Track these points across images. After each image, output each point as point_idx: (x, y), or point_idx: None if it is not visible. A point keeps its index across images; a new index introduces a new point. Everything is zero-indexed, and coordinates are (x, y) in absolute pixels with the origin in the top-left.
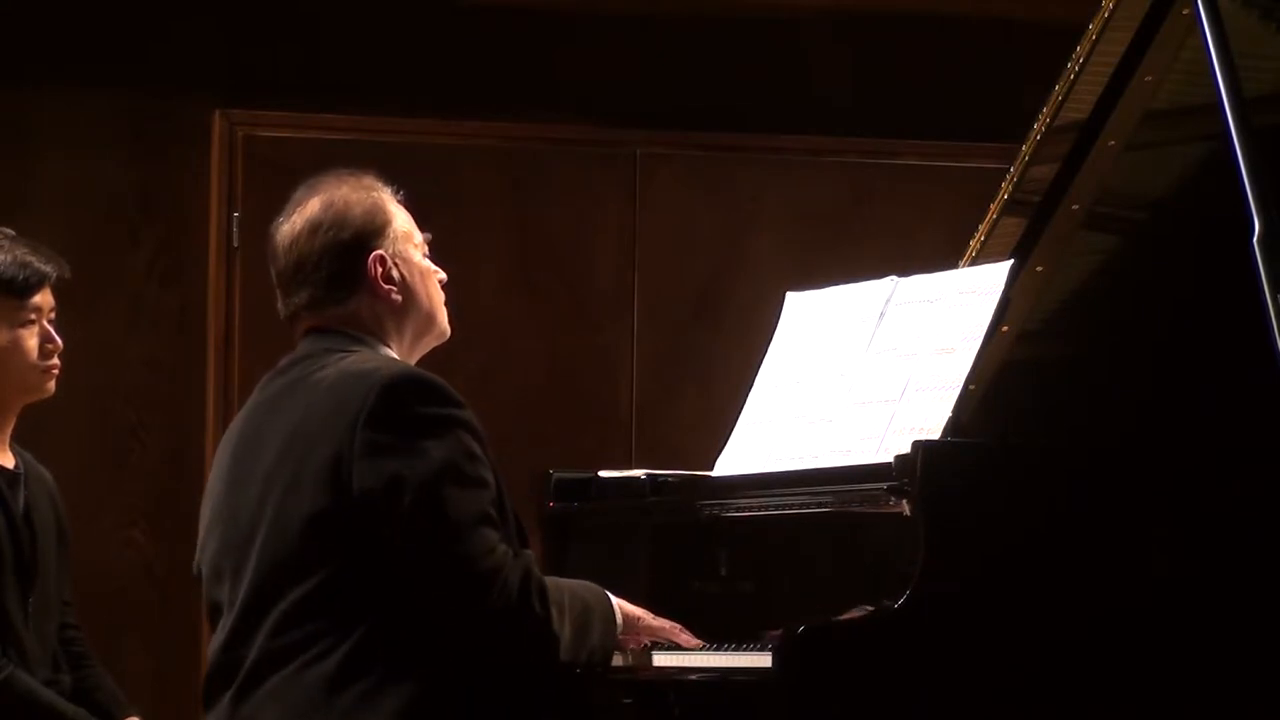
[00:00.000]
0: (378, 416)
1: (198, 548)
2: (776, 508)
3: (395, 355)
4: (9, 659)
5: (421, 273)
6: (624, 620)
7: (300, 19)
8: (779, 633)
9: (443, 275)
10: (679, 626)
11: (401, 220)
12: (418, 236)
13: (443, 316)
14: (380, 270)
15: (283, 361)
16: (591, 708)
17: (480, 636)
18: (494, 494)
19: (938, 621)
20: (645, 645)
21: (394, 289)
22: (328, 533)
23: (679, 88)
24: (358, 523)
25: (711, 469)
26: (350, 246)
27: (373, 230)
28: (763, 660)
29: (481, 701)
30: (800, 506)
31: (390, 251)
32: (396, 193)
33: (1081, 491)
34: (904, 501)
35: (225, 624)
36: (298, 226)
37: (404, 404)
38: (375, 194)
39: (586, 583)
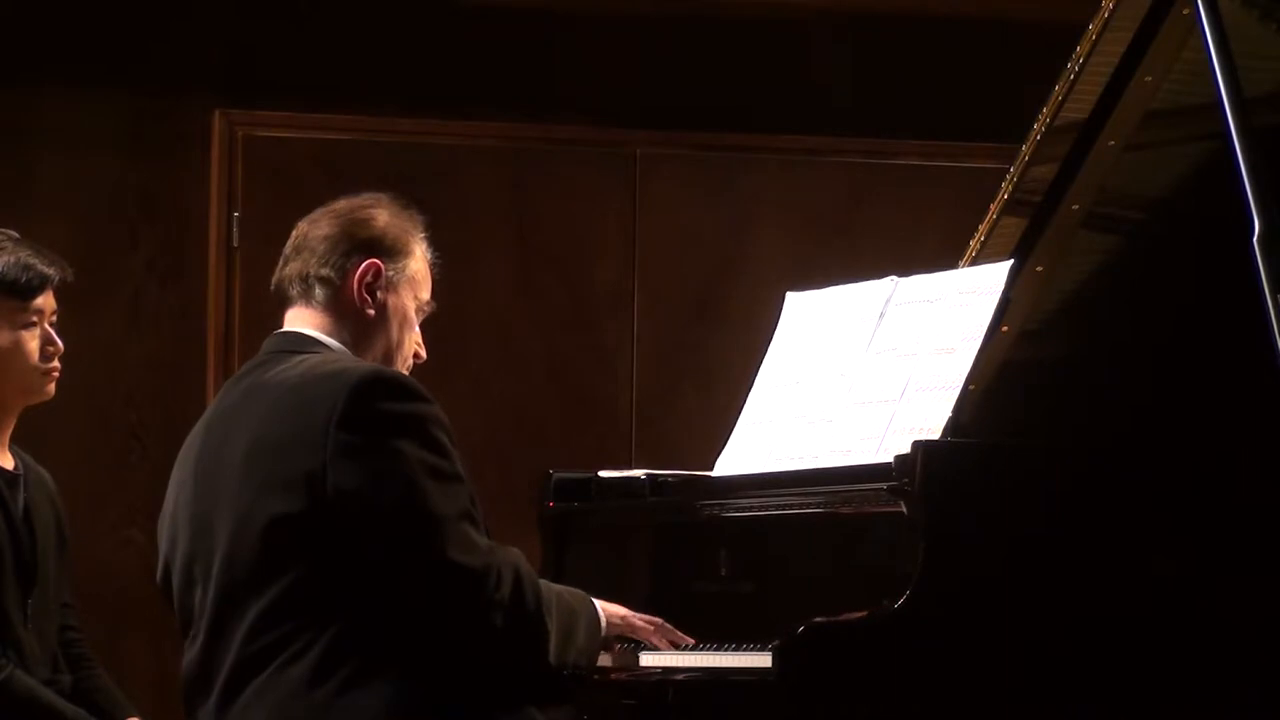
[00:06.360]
0: (349, 417)
1: (161, 558)
2: (776, 508)
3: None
4: (9, 659)
5: (404, 317)
6: (608, 625)
7: (300, 19)
8: (779, 633)
9: (422, 352)
10: (660, 623)
11: (419, 268)
12: (424, 295)
13: (400, 367)
14: (368, 277)
15: (244, 366)
16: (587, 706)
17: (472, 633)
18: (469, 487)
19: (938, 621)
20: (630, 646)
21: (369, 303)
22: (300, 535)
23: (679, 88)
24: (334, 524)
25: (711, 469)
26: (359, 243)
27: (386, 247)
28: (763, 660)
29: (463, 688)
30: (800, 507)
31: (389, 274)
32: (436, 258)
33: (1081, 491)
34: (904, 501)
35: (199, 629)
36: (324, 211)
37: (374, 403)
38: (413, 229)
39: (571, 588)
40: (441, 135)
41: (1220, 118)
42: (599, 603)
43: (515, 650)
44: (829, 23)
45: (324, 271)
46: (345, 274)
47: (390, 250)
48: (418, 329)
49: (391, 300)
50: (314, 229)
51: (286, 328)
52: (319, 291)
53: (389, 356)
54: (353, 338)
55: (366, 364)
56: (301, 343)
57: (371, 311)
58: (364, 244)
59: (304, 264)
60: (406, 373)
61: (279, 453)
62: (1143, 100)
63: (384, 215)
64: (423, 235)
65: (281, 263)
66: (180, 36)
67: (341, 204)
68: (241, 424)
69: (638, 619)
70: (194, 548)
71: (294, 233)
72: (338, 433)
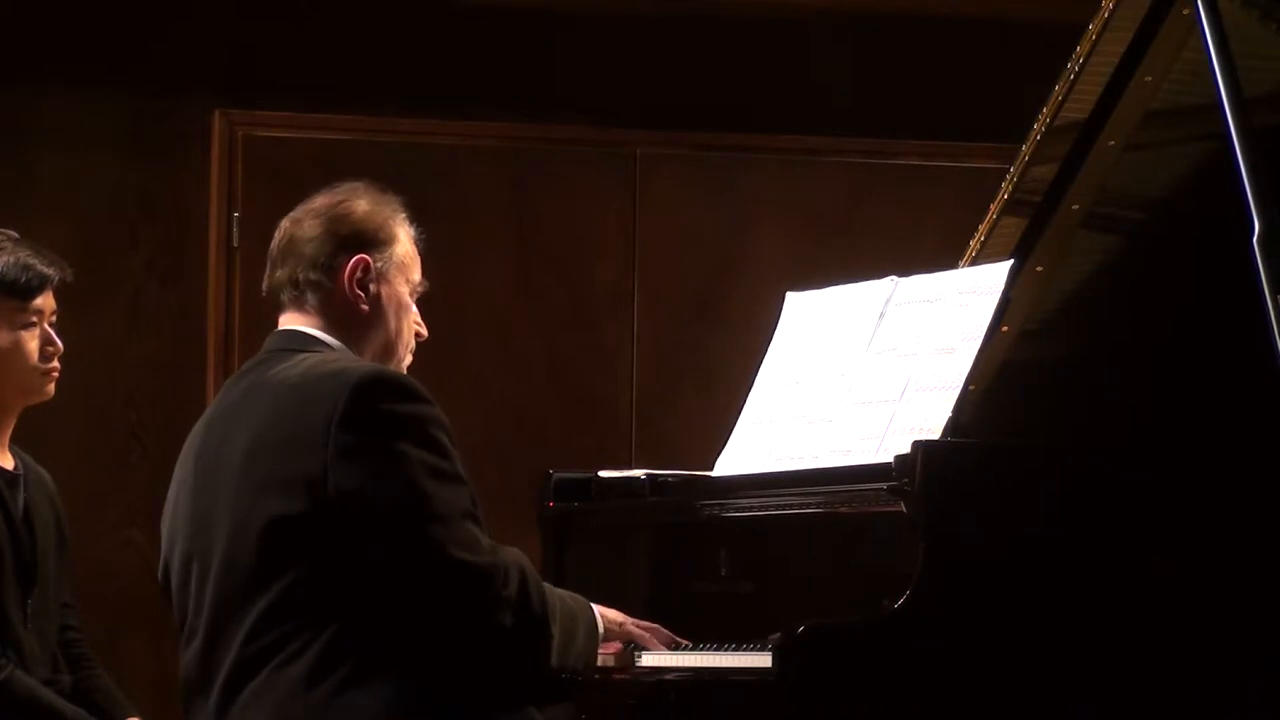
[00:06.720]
0: (351, 418)
1: (161, 558)
2: (776, 508)
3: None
4: (9, 659)
5: (399, 304)
6: (605, 629)
7: (300, 19)
8: (779, 633)
9: (423, 330)
10: (657, 629)
11: (406, 250)
12: (415, 276)
13: (402, 356)
14: (358, 273)
15: (245, 364)
16: (587, 706)
17: (479, 632)
18: (469, 488)
19: (937, 621)
20: (629, 647)
21: (363, 299)
22: (300, 535)
23: (679, 88)
24: (334, 525)
25: (711, 469)
26: (343, 241)
27: (370, 239)
28: (763, 660)
29: (462, 688)
30: (800, 507)
31: (378, 266)
32: (420, 235)
33: (1081, 492)
34: (904, 501)
35: (197, 628)
36: (305, 209)
37: (375, 404)
38: (392, 214)
39: (570, 592)
40: (441, 135)
41: (1220, 118)
42: (597, 608)
43: (520, 650)
44: (829, 23)
45: (313, 275)
46: (334, 275)
47: (374, 241)
48: (415, 309)
49: (385, 290)
50: (297, 230)
51: (289, 326)
52: (311, 296)
53: (390, 346)
54: (351, 335)
55: (367, 364)
56: (302, 341)
57: (366, 307)
58: (348, 240)
59: (292, 270)
60: (411, 355)
61: (279, 452)
62: (1143, 100)
63: (363, 205)
64: (404, 216)
65: (270, 267)
66: (180, 36)
67: (319, 201)
68: (242, 423)
69: (635, 626)
70: (192, 546)
71: (277, 233)
72: (338, 433)
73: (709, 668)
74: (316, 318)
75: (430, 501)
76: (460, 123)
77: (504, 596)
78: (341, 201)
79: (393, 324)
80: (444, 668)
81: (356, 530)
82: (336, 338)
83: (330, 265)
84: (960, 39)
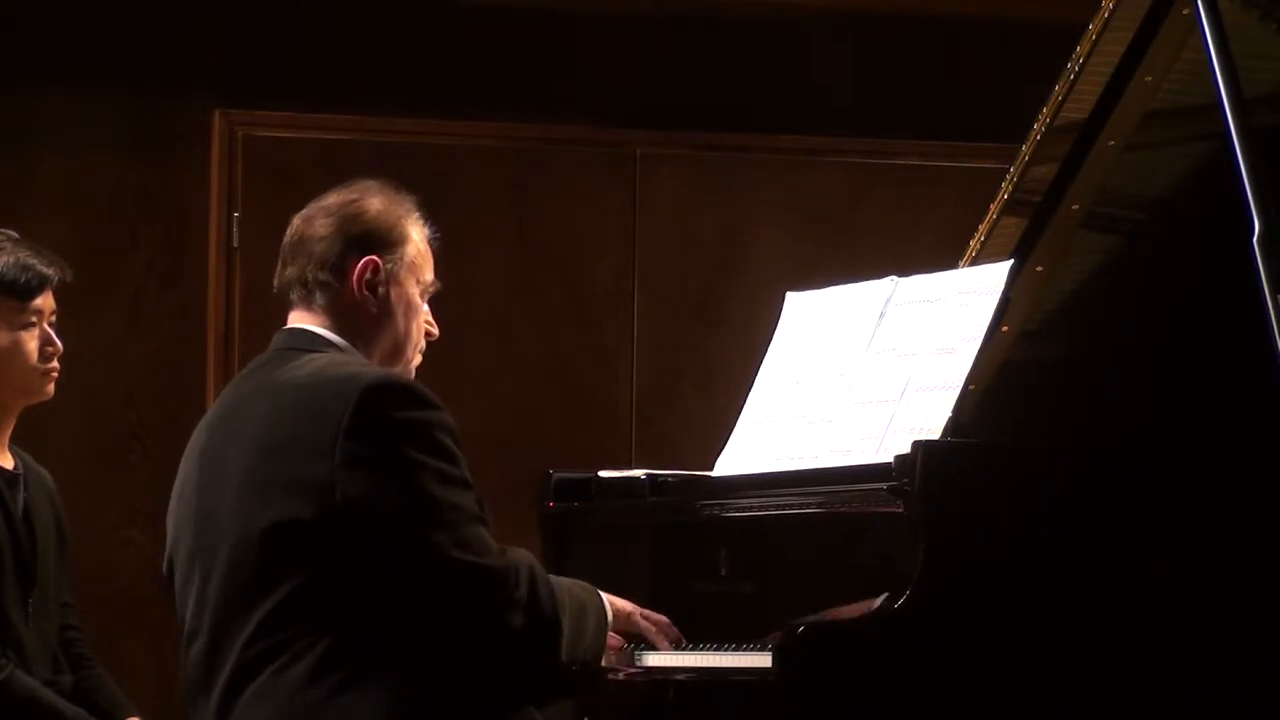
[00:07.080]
0: (358, 424)
1: (166, 552)
2: (776, 508)
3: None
4: (9, 659)
5: (409, 305)
6: (615, 618)
7: (300, 19)
8: (779, 633)
9: (433, 330)
10: (666, 622)
11: (417, 251)
12: (427, 277)
13: (410, 357)
14: (367, 274)
15: (251, 364)
16: (587, 706)
17: (490, 634)
18: (476, 493)
19: (937, 621)
20: (629, 646)
21: (372, 300)
22: (305, 540)
23: (679, 88)
24: (340, 530)
25: (711, 469)
26: (353, 240)
27: (382, 239)
28: (763, 660)
29: (463, 689)
30: (800, 506)
31: (388, 267)
32: (434, 234)
33: (1081, 491)
34: (904, 501)
35: (201, 629)
36: (317, 207)
37: (383, 411)
38: (405, 214)
39: (580, 581)
40: (441, 135)
41: (1220, 118)
42: (606, 596)
43: (531, 650)
44: (829, 23)
45: (322, 275)
46: (344, 275)
47: (385, 241)
48: (426, 309)
49: (394, 291)
50: (308, 228)
51: (296, 324)
52: (319, 296)
53: (398, 347)
54: (359, 336)
55: (374, 368)
56: (310, 341)
57: (374, 309)
58: (358, 241)
59: (301, 268)
60: (420, 356)
61: (285, 456)
62: (1143, 100)
63: (375, 205)
64: (417, 216)
65: (280, 264)
66: (180, 36)
67: (332, 199)
68: (247, 423)
69: (642, 617)
70: (197, 545)
71: (289, 230)
72: (345, 441)
73: (709, 668)
74: (325, 317)
75: (438, 506)
76: (460, 123)
77: (515, 598)
78: (353, 200)
79: (401, 326)
80: (445, 669)
81: (363, 536)
82: (344, 338)
83: (339, 266)
84: (960, 39)
